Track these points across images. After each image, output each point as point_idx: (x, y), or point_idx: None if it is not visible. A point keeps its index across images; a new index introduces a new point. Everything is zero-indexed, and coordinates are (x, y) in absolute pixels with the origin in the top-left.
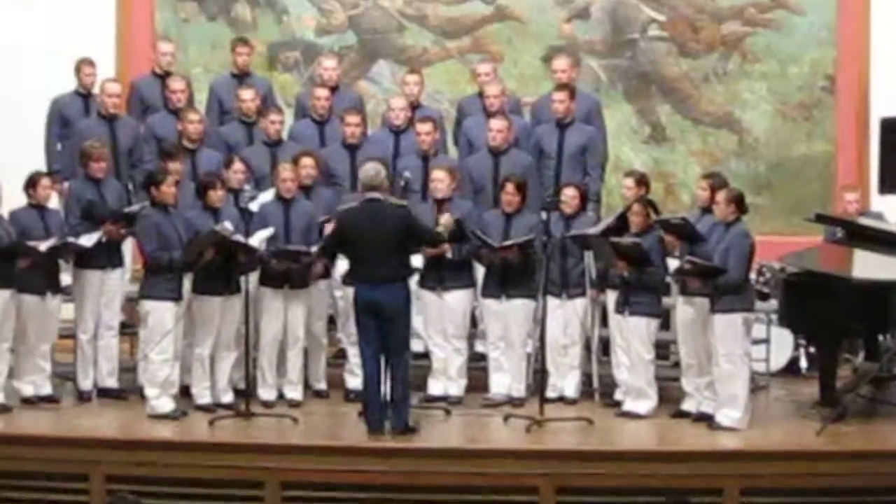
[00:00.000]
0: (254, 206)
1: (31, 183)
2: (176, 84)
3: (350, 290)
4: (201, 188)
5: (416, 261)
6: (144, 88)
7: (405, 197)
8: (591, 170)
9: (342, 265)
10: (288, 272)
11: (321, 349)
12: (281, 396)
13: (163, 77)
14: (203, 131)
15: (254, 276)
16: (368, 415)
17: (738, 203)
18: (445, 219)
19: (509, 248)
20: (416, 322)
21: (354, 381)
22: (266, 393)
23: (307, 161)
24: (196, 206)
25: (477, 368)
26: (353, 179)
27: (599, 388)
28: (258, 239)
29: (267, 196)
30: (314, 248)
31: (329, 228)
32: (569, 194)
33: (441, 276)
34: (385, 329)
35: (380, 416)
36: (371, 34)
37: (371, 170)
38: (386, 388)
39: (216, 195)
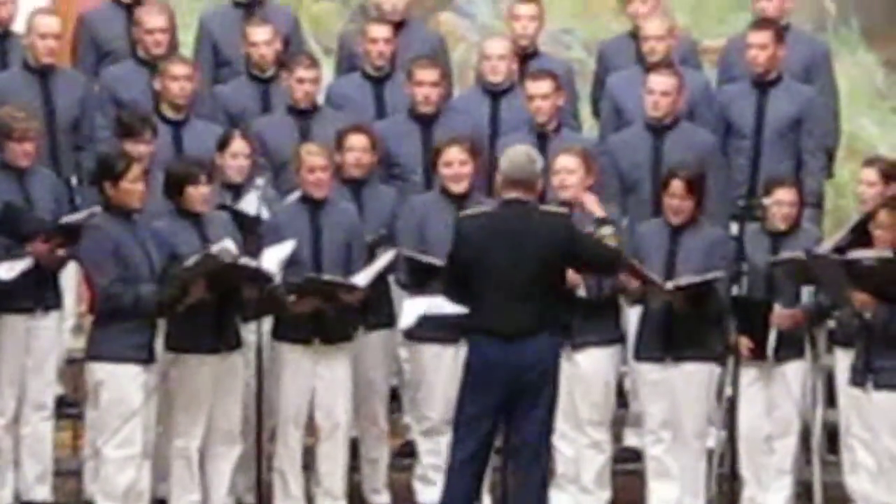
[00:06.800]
0: (261, 210)
1: None
2: (151, 17)
3: (426, 349)
4: (172, 183)
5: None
6: (99, 24)
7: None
8: (808, 156)
9: (409, 307)
10: (320, 317)
11: (379, 441)
12: None
13: (129, 6)
14: (194, 92)
15: (266, 324)
16: None
17: None
18: (607, 231)
19: (682, 292)
20: None
21: (431, 495)
22: None
23: (355, 140)
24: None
25: (627, 473)
26: (426, 170)
27: None
28: (273, 259)
29: (290, 198)
30: (360, 278)
31: (384, 258)
32: (779, 197)
33: (569, 325)
34: (519, 410)
35: None
36: None
37: (521, 156)
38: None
39: (197, 194)
